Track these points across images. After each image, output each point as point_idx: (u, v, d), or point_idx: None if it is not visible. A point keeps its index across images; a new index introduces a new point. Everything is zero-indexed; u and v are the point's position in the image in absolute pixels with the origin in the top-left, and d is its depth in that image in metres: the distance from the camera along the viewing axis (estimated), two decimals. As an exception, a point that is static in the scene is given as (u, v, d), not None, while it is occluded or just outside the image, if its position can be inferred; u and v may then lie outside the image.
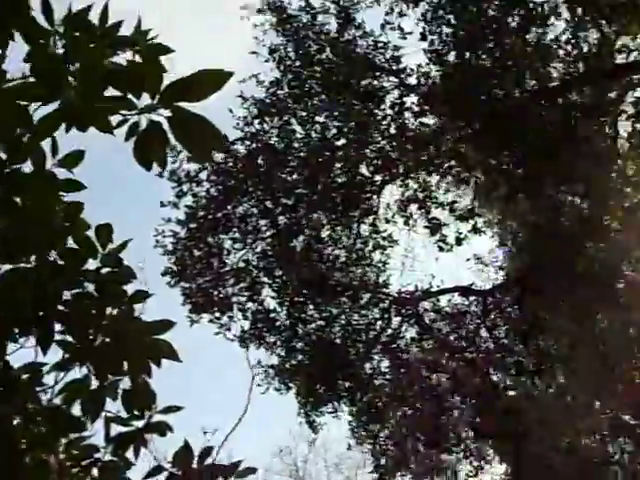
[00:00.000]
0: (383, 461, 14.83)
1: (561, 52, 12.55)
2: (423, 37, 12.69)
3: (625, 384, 16.13)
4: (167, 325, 4.25)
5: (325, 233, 13.99)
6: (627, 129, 13.00)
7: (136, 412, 4.34)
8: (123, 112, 2.78)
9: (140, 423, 4.31)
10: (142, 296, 4.28)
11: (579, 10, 11.60)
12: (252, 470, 4.70)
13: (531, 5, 12.29)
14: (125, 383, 4.26)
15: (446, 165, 13.05)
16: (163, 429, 4.39)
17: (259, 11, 14.33)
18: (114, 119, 2.89)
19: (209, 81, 2.79)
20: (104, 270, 4.28)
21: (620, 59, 12.13)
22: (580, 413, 15.55)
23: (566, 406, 15.65)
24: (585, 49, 11.98)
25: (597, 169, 12.85)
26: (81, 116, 2.82)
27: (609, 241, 14.11)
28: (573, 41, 12.11)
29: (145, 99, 2.81)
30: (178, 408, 4.51)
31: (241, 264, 13.73)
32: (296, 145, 13.49)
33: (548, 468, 14.98)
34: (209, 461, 4.35)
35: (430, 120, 13.09)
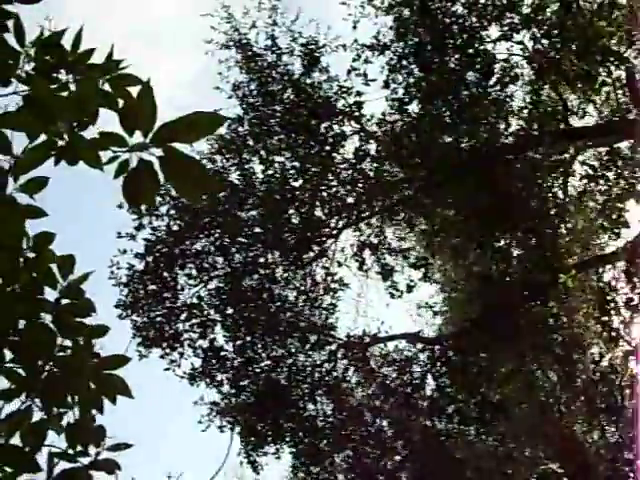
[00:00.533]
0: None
1: (518, 109, 12.86)
2: (386, 85, 12.87)
3: (561, 434, 16.45)
4: (122, 361, 4.21)
5: (278, 273, 13.98)
6: (578, 188, 13.33)
7: (82, 448, 4.27)
8: (114, 148, 2.75)
9: (86, 460, 4.25)
10: (102, 330, 4.23)
11: (538, 72, 11.88)
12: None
13: (492, 61, 12.59)
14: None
15: (402, 213, 13.16)
16: (111, 467, 4.31)
17: (224, 46, 14.44)
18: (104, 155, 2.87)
19: (203, 124, 2.79)
20: (63, 301, 4.23)
21: (574, 122, 12.43)
22: (516, 461, 15.79)
23: (505, 455, 15.87)
24: (541, 109, 12.25)
25: (546, 225, 13.12)
26: (71, 149, 2.79)
27: (554, 294, 14.38)
28: (530, 100, 12.41)
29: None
30: (127, 445, 4.44)
31: (194, 300, 13.66)
32: (255, 183, 13.53)
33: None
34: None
35: (389, 167, 13.23)
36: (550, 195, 12.90)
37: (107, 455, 4.30)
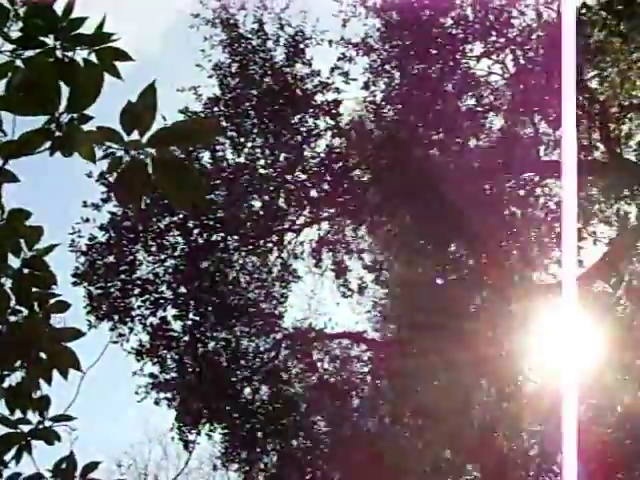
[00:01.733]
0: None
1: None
2: (366, 86, 12.98)
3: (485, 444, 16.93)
4: (76, 334, 4.25)
5: (234, 258, 14.03)
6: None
7: (22, 415, 4.30)
8: (109, 144, 2.74)
9: (27, 428, 4.27)
10: (62, 306, 4.25)
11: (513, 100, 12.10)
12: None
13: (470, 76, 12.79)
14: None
15: (364, 215, 13.30)
16: (50, 437, 4.35)
17: (210, 23, 14.38)
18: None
19: (202, 131, 2.82)
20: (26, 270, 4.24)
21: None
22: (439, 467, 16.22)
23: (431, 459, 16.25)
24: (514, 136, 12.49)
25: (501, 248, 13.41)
26: (68, 141, 2.78)
27: (499, 312, 14.74)
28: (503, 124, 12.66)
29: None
30: (69, 417, 4.48)
31: (150, 277, 13.65)
32: (223, 167, 13.55)
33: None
34: (92, 475, 4.34)
35: (357, 170, 13.36)
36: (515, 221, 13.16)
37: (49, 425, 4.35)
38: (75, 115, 2.78)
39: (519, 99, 12.27)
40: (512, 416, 16.89)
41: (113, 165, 2.74)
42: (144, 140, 2.70)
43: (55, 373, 4.16)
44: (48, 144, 2.81)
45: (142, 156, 2.73)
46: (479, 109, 12.90)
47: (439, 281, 15.01)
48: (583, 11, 11.43)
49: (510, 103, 12.56)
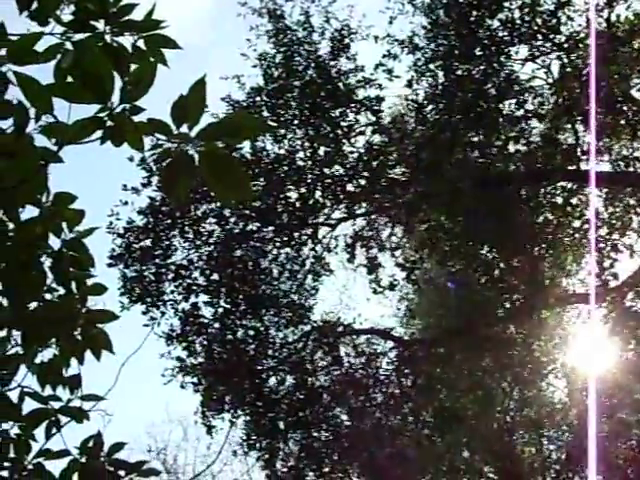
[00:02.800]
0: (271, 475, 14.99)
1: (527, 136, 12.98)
2: (409, 85, 12.97)
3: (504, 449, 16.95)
4: (111, 317, 4.32)
5: (269, 248, 14.12)
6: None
7: (52, 392, 4.37)
8: (158, 136, 2.75)
9: (57, 404, 4.35)
10: (100, 289, 4.32)
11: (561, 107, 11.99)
12: (155, 471, 4.78)
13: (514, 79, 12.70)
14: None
15: (399, 213, 13.30)
16: (79, 415, 4.42)
17: (256, 12, 14.45)
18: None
19: (249, 127, 2.81)
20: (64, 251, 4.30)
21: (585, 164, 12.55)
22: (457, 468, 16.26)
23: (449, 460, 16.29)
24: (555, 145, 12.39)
25: (533, 254, 13.34)
26: (119, 132, 2.81)
27: (528, 318, 14.68)
28: (546, 132, 12.56)
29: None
30: (99, 397, 4.56)
31: (184, 262, 13.78)
32: (262, 157, 13.62)
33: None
34: (117, 455, 4.42)
35: (396, 168, 13.35)
36: (547, 227, 13.07)
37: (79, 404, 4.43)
38: (127, 106, 2.82)
39: (562, 105, 12.18)
40: (533, 422, 16.88)
41: (162, 157, 2.77)
42: (193, 134, 2.71)
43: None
44: (99, 133, 2.86)
45: (190, 149, 2.73)
46: (520, 113, 12.82)
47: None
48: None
49: (552, 109, 12.46)
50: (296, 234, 14.12)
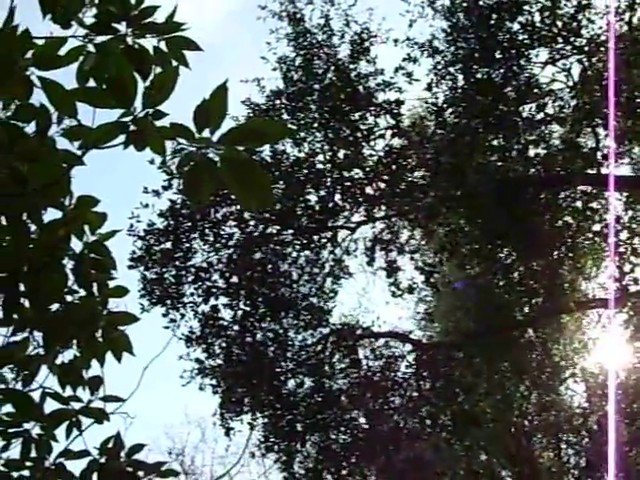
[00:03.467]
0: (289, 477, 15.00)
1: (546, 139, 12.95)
2: (429, 88, 12.97)
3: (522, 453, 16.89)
4: (132, 319, 4.35)
5: (288, 251, 14.16)
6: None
7: (72, 392, 4.40)
8: (179, 140, 2.76)
9: (78, 405, 4.38)
10: (121, 291, 4.35)
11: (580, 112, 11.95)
12: (174, 472, 4.81)
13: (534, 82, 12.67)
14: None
15: (419, 216, 13.29)
16: (100, 416, 4.46)
17: (276, 16, 14.50)
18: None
19: (272, 132, 2.83)
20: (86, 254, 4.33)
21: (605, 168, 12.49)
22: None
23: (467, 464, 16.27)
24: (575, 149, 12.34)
25: (553, 258, 13.30)
26: (142, 136, 2.83)
27: (547, 322, 14.65)
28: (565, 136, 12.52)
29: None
30: (118, 399, 4.59)
31: (204, 265, 13.84)
32: (282, 160, 13.66)
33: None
34: (137, 456, 4.45)
35: (415, 171, 13.36)
36: (567, 231, 13.03)
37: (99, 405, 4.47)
38: (150, 111, 2.85)
39: (582, 109, 12.13)
40: (551, 426, 16.81)
41: (184, 161, 2.78)
42: (214, 138, 2.72)
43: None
44: (122, 137, 2.89)
45: (211, 154, 2.74)
46: (540, 117, 12.79)
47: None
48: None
49: (572, 113, 12.42)
50: (315, 237, 14.15)
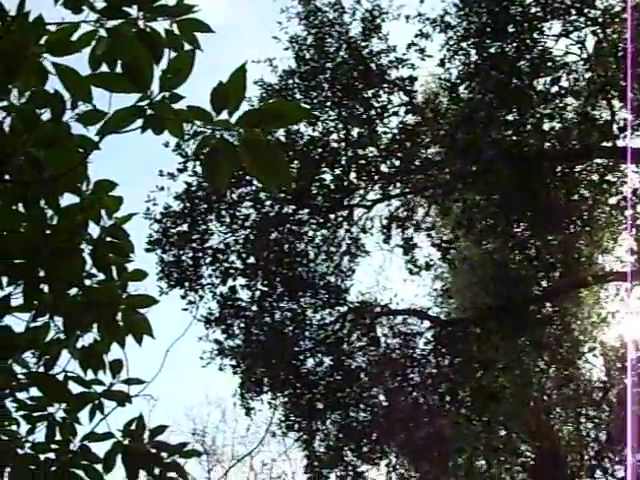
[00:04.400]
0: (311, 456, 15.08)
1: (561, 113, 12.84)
2: (442, 63, 12.89)
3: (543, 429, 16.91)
4: (151, 301, 4.37)
5: (304, 230, 14.16)
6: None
7: (94, 376, 4.44)
8: (197, 123, 2.77)
9: (100, 388, 4.42)
10: (140, 275, 4.37)
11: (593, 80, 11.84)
12: (197, 453, 4.85)
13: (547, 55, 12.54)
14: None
15: (434, 193, 13.26)
16: (122, 398, 4.50)
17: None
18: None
19: (290, 113, 2.82)
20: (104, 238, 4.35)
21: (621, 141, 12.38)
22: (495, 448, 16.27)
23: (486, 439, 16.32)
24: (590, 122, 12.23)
25: (570, 232, 13.24)
26: (159, 119, 2.83)
27: (565, 296, 14.61)
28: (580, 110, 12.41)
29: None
30: (140, 381, 4.63)
31: (221, 246, 13.88)
32: (296, 139, 13.64)
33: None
34: (159, 438, 4.49)
35: (430, 148, 13.32)
36: (583, 205, 12.96)
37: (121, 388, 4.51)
38: (167, 94, 2.84)
39: (597, 82, 12.03)
40: (571, 400, 16.79)
41: (202, 144, 2.78)
42: (232, 120, 2.73)
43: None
44: (140, 121, 2.89)
45: (230, 136, 2.75)
46: (555, 90, 12.69)
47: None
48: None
49: (587, 85, 12.31)
50: (331, 216, 14.14)
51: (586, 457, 17.44)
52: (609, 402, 16.76)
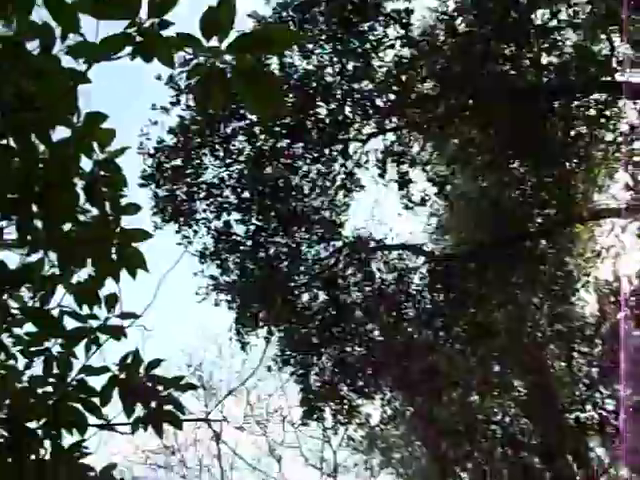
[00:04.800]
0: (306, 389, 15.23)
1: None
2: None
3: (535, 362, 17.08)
4: (144, 235, 4.34)
5: (299, 165, 14.06)
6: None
7: (89, 311, 4.44)
8: (188, 50, 2.73)
9: (95, 323, 4.43)
10: (134, 208, 4.33)
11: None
12: (192, 386, 4.88)
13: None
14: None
15: (430, 127, 13.14)
16: (118, 332, 4.51)
17: None
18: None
19: (280, 38, 2.77)
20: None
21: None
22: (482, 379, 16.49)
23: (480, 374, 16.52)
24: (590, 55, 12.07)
25: (569, 167, 13.17)
26: (149, 46, 2.77)
27: (560, 233, 14.62)
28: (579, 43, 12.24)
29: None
30: (135, 315, 4.63)
31: (215, 181, 13.78)
32: (291, 73, 13.44)
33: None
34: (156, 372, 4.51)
35: (425, 82, 13.15)
36: (580, 141, 12.86)
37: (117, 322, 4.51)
38: (156, 20, 2.77)
39: (597, 15, 11.83)
40: (564, 336, 16.91)
41: (194, 72, 2.73)
42: (223, 47, 2.67)
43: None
44: (129, 49, 2.82)
45: (221, 63, 2.69)
46: (554, 23, 12.49)
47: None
48: None
49: (587, 19, 12.11)
50: (326, 150, 14.03)
51: (577, 392, 17.63)
52: (602, 337, 16.87)
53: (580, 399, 17.39)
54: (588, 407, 17.06)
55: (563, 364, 18.07)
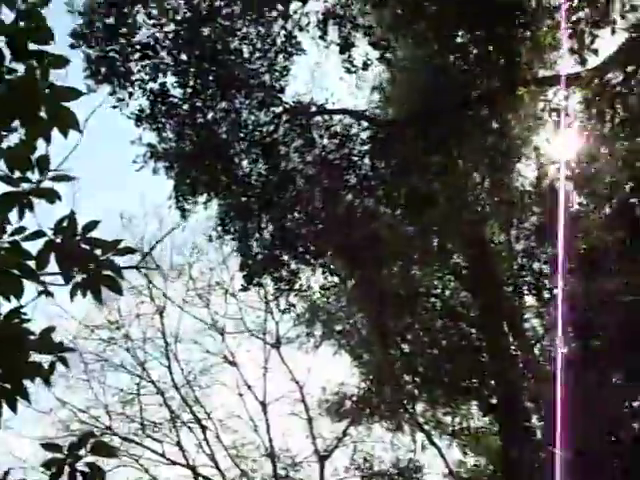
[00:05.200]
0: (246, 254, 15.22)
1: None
2: None
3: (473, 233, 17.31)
4: (76, 93, 4.16)
5: (237, 26, 13.59)
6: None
7: (21, 174, 4.31)
8: None
9: (28, 185, 4.30)
10: (61, 61, 4.13)
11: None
12: (131, 250, 4.76)
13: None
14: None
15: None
16: (51, 195, 4.36)
17: None
18: None
19: None
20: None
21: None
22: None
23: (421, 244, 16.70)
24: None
25: (512, 31, 12.93)
26: None
27: (505, 102, 14.50)
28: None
29: None
30: (68, 177, 4.48)
31: (150, 41, 13.24)
32: None
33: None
34: (92, 234, 4.39)
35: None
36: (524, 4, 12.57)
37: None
38: None
39: None
40: (503, 208, 17.05)
41: None
42: None
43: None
44: None
45: None
46: None
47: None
48: None
49: None
50: (266, 10, 13.55)
51: (515, 266, 17.94)
52: (539, 210, 17.00)
53: (517, 273, 17.75)
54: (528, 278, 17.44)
55: (503, 238, 18.32)
